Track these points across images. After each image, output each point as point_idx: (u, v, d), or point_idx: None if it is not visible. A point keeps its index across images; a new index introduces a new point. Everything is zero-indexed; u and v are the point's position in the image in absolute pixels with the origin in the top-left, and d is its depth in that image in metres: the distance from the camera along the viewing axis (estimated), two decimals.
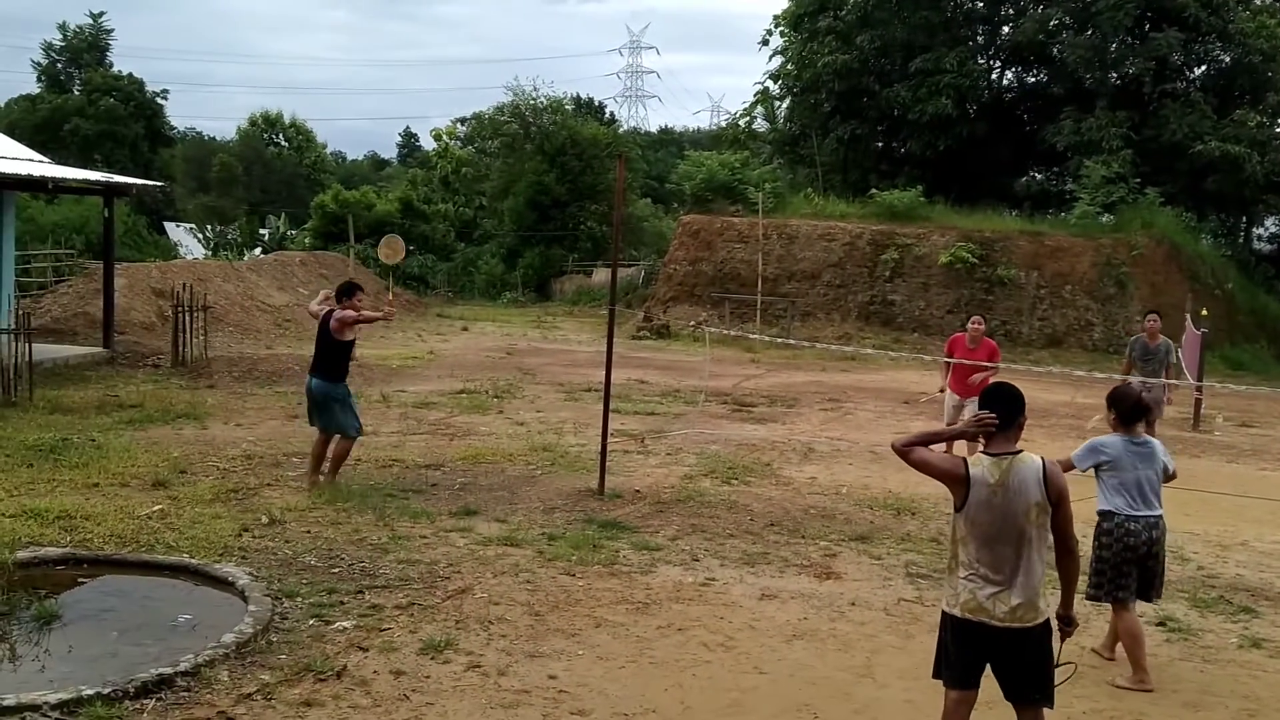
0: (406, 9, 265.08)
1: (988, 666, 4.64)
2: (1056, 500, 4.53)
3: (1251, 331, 32.04)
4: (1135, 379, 12.97)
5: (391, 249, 11.96)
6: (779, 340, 24.08)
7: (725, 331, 25.15)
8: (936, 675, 4.77)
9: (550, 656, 6.02)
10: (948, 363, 12.73)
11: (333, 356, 9.85)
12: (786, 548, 8.57)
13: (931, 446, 4.85)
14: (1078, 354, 28.23)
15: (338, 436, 9.83)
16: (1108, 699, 5.85)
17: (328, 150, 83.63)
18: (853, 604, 7.26)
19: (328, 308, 9.99)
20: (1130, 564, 6.24)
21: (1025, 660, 4.55)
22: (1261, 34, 34.31)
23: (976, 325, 12.68)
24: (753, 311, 29.92)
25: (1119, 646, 6.39)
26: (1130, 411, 6.44)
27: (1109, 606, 6.44)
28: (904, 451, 4.68)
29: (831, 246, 31.47)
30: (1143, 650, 6.15)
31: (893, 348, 26.22)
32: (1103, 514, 6.35)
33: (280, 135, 75.23)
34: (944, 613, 4.69)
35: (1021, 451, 4.60)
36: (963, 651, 4.61)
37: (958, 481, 4.56)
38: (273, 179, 68.63)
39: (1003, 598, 4.49)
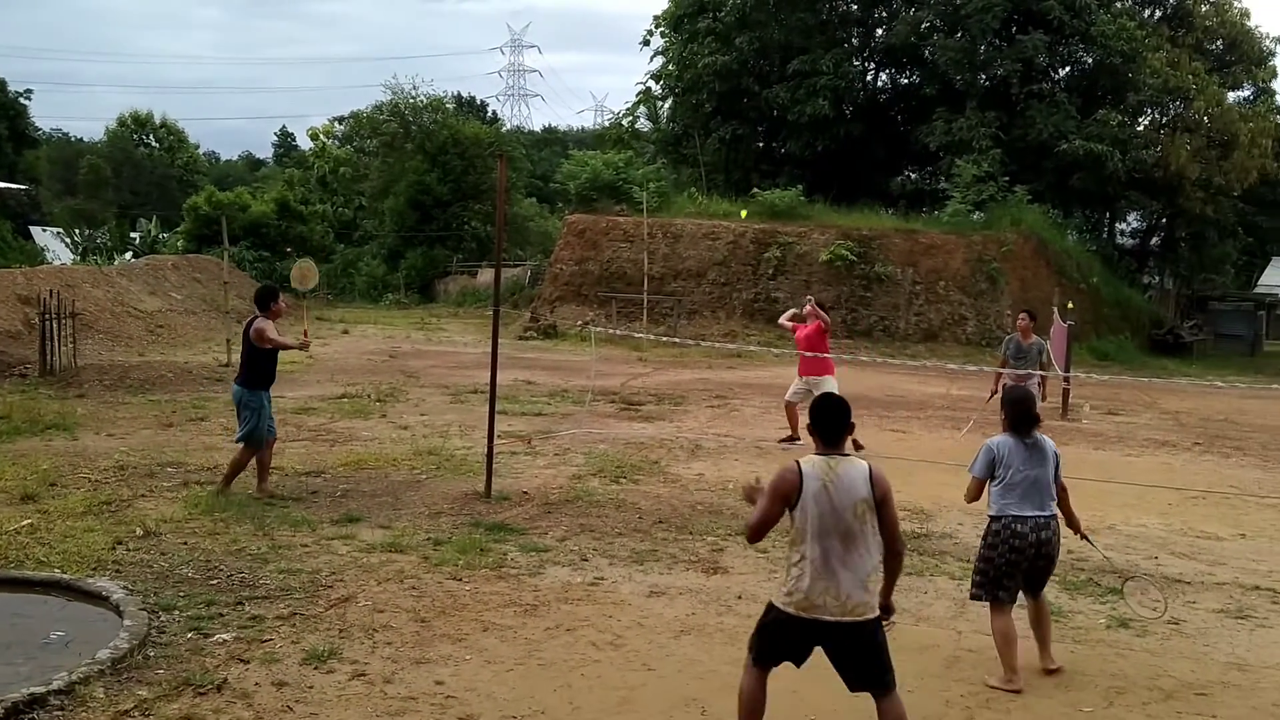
0: (281, 6, 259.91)
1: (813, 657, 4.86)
2: (881, 499, 4.72)
3: (1116, 323, 33.43)
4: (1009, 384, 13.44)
5: (303, 274, 11.79)
6: (665, 339, 24.24)
7: (612, 331, 25.23)
8: (751, 649, 4.96)
9: (437, 662, 5.96)
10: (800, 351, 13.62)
11: (251, 362, 9.75)
12: (674, 544, 8.64)
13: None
14: (952, 347, 29.08)
15: (268, 443, 9.86)
16: (983, 683, 6.03)
17: (200, 151, 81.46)
18: (739, 597, 7.35)
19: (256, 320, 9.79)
20: (1015, 566, 6.08)
21: (861, 651, 4.75)
22: (1122, 36, 35.78)
23: (808, 306, 13.71)
24: (639, 310, 30.07)
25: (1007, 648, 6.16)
26: (1019, 418, 6.25)
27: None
28: (754, 537, 4.91)
29: (716, 245, 31.81)
30: (1014, 651, 6.00)
31: (777, 345, 26.57)
32: (992, 516, 6.21)
33: (151, 136, 73.00)
34: (772, 603, 4.86)
35: (850, 455, 4.85)
36: (783, 641, 4.83)
37: (794, 487, 4.72)
38: (143, 181, 66.54)
39: (832, 592, 4.65)
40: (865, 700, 5.65)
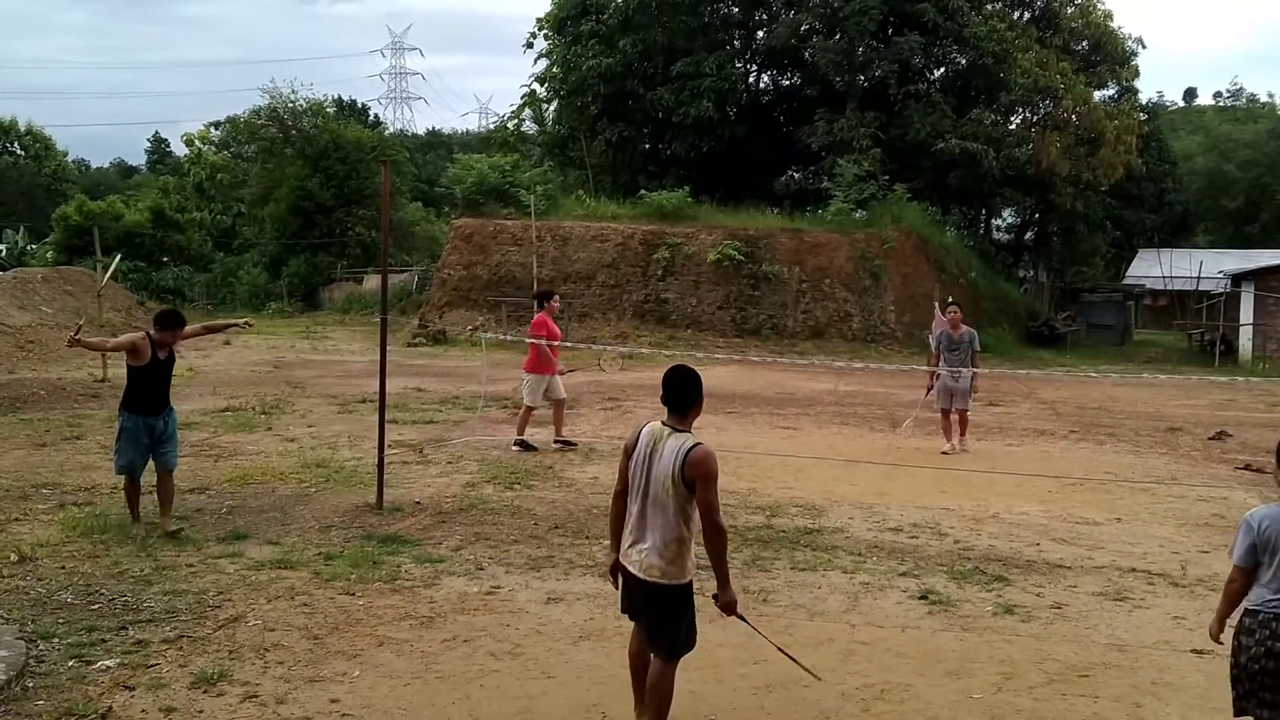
0: (151, 9, 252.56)
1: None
2: (691, 481, 4.89)
3: (994, 316, 34.42)
4: (943, 369, 13.80)
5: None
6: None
7: (503, 335, 25.05)
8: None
9: (331, 680, 5.84)
10: (536, 343, 13.70)
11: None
12: (571, 549, 8.61)
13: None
14: (839, 344, 29.62)
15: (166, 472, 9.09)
16: (879, 672, 6.14)
17: (69, 158, 78.61)
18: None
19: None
20: (1275, 676, 4.54)
21: (650, 611, 5.05)
22: (993, 37, 36.86)
23: (555, 303, 14.25)
24: (529, 314, 29.86)
25: None
26: None
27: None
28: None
29: (604, 247, 31.86)
30: None
31: (667, 345, 26.78)
32: (1248, 608, 4.69)
33: (15, 143, 70.16)
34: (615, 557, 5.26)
35: (684, 431, 5.06)
36: (623, 589, 5.22)
37: (631, 444, 5.20)
38: (9, 190, 63.93)
39: (636, 548, 5.03)
40: (766, 698, 5.74)
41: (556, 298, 14.60)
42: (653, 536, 4.97)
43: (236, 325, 11.45)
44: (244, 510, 9.68)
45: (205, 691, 5.63)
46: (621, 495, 5.21)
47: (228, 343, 27.86)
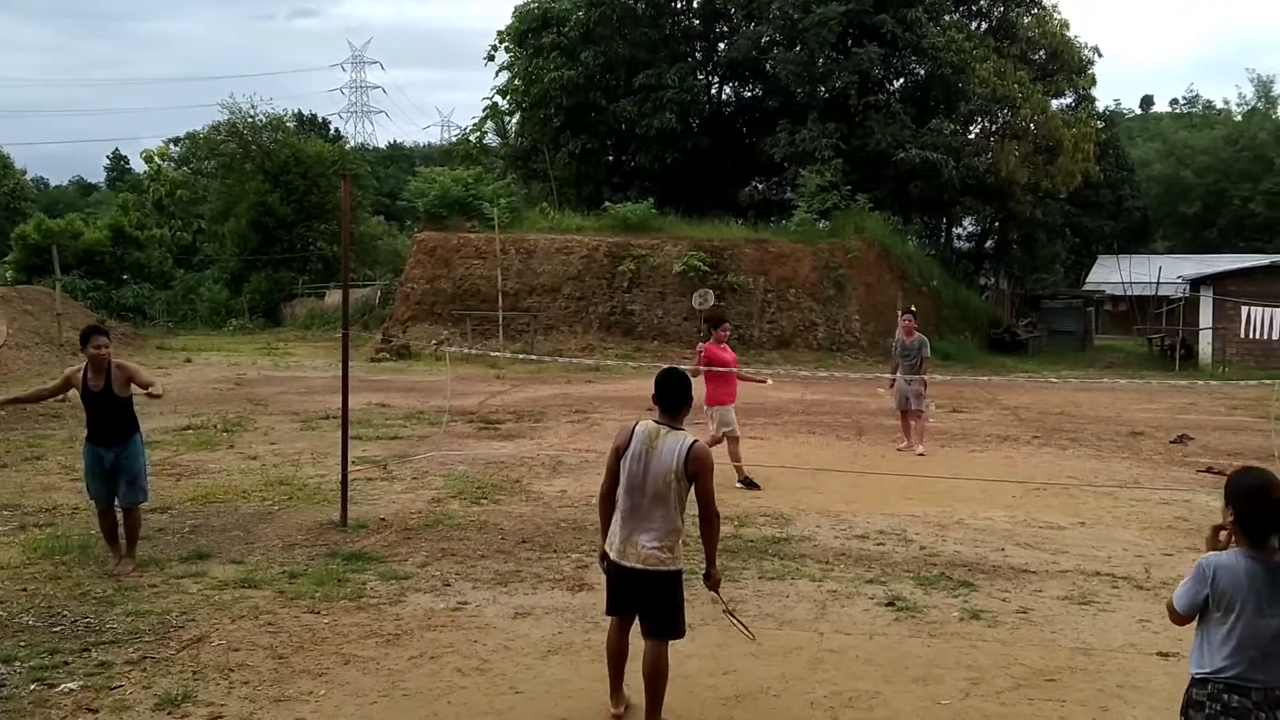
0: (109, 27, 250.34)
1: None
2: (694, 475, 5.25)
3: (956, 323, 34.71)
4: (900, 376, 14.44)
5: None
6: (522, 355, 24.13)
7: (468, 349, 24.98)
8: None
9: (297, 700, 5.78)
10: (712, 371, 12.14)
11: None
12: (539, 564, 8.57)
13: None
14: (805, 353, 29.73)
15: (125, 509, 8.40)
16: (847, 680, 6.15)
17: (28, 176, 77.65)
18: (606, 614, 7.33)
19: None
20: None
21: (653, 599, 5.31)
22: (951, 48, 37.23)
23: (725, 332, 12.52)
24: (495, 327, 29.87)
25: None
26: (1262, 515, 3.93)
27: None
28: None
29: (570, 259, 31.85)
30: None
31: (634, 357, 26.80)
32: (1195, 676, 4.02)
33: None
34: (602, 550, 5.52)
35: (679, 429, 5.38)
36: (611, 583, 5.46)
37: (623, 444, 5.40)
38: None
39: (633, 543, 5.28)
40: (735, 708, 5.72)
41: (727, 325, 12.64)
42: (653, 529, 5.25)
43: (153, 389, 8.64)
44: (207, 529, 9.57)
45: (169, 713, 5.56)
46: (609, 495, 5.45)
47: (189, 360, 27.63)
